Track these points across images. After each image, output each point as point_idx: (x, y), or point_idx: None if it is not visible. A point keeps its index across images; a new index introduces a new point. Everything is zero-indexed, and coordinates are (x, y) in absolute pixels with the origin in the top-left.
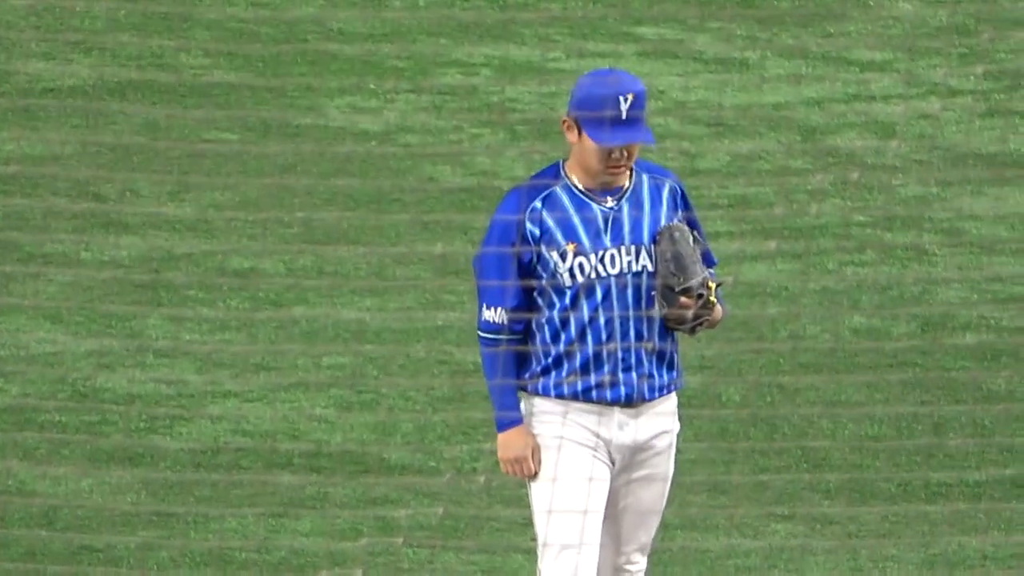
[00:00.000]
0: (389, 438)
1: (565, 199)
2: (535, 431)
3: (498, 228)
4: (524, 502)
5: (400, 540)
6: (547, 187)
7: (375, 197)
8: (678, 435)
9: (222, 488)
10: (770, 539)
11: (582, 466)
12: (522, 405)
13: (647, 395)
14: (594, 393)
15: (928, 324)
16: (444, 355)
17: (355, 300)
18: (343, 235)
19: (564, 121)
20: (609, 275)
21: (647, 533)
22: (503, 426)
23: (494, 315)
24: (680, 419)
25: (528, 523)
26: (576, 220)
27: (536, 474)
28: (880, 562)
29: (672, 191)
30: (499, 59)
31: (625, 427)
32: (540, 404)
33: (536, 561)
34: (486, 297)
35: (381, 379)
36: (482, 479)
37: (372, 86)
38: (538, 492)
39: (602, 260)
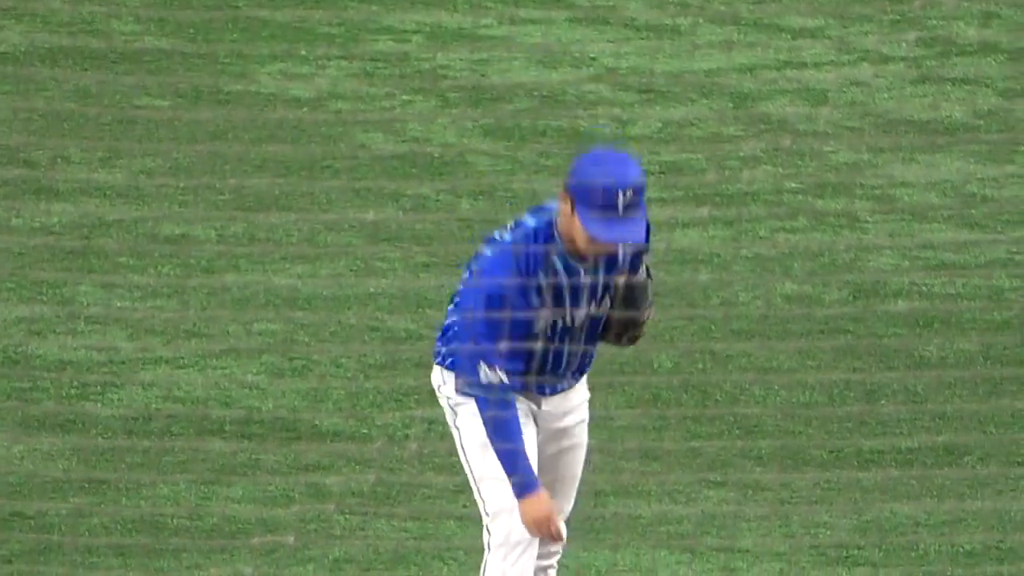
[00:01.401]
0: (321, 405)
1: (559, 265)
2: (462, 401)
3: (503, 291)
4: (455, 469)
5: (332, 507)
6: (546, 252)
7: (306, 164)
8: (589, 401)
9: (154, 455)
10: (702, 505)
11: None
12: (441, 373)
13: (565, 387)
14: (520, 386)
15: (860, 291)
16: (376, 322)
17: (287, 267)
18: (274, 202)
19: (562, 190)
20: (573, 325)
21: (569, 501)
22: (524, 492)
23: (493, 375)
24: (589, 386)
25: (460, 490)
26: (566, 287)
27: (559, 533)
28: (812, 528)
29: (641, 251)
30: (431, 26)
31: (546, 403)
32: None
33: (484, 530)
34: (486, 357)
35: (313, 346)
36: (414, 446)
37: (303, 53)
38: (474, 460)
39: (573, 316)
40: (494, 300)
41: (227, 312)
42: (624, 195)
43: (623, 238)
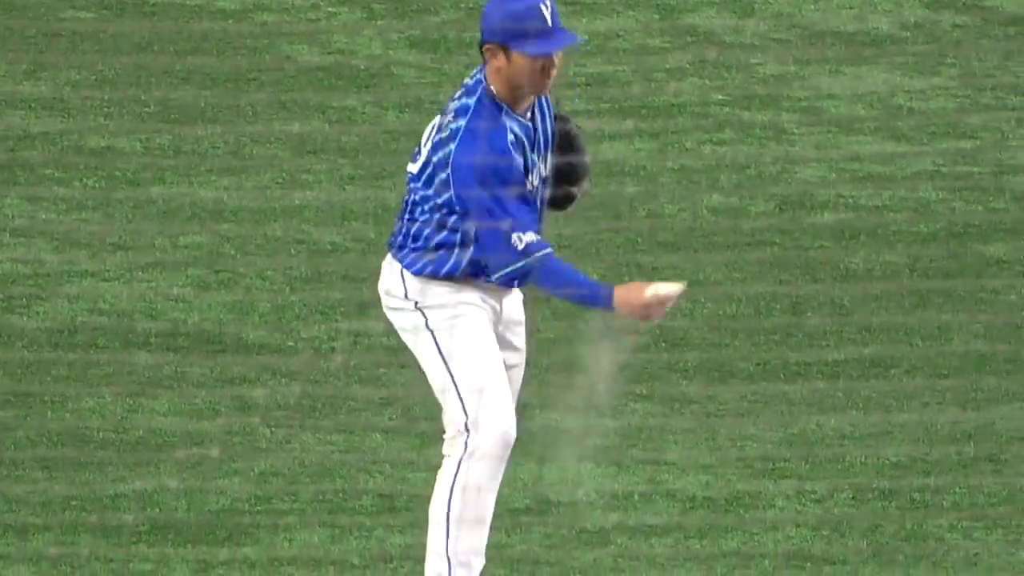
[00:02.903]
0: (247, 318)
1: (516, 127)
2: (428, 302)
3: (495, 164)
4: (381, 381)
5: (257, 419)
6: (504, 115)
7: (232, 76)
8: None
9: (79, 367)
10: (628, 419)
11: (481, 320)
12: (408, 282)
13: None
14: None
15: (786, 203)
16: (302, 234)
17: (212, 179)
18: (200, 114)
19: (487, 49)
20: (534, 188)
21: (516, 401)
22: (610, 297)
23: (528, 237)
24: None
25: (386, 402)
26: (526, 144)
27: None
28: (739, 441)
29: (547, 97)
30: None
31: (502, 300)
32: (431, 285)
33: (457, 434)
34: (514, 228)
35: (238, 258)
36: (339, 359)
37: None
38: (456, 367)
39: (540, 171)
40: (489, 176)
41: (152, 225)
42: (547, 6)
43: (566, 40)
